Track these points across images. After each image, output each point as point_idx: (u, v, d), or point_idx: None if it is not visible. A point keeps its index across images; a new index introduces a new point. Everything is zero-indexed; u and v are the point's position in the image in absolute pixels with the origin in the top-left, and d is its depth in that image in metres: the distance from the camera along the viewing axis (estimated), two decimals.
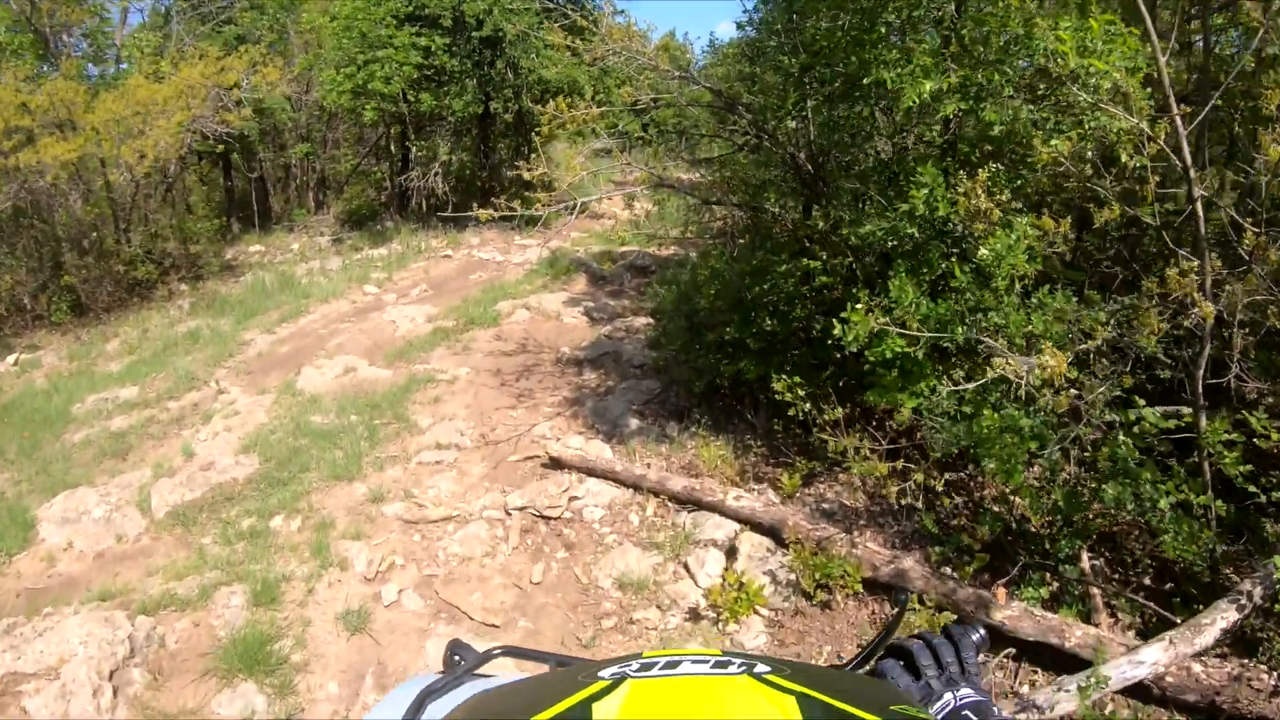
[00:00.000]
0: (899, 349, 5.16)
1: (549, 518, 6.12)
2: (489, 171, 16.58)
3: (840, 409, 5.61)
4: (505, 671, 1.77)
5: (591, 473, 6.52)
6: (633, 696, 0.79)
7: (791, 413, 5.75)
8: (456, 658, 1.60)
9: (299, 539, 6.01)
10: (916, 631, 1.28)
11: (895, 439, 5.97)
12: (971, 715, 1.10)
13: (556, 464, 6.67)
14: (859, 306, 5.02)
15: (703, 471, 6.45)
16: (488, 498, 6.39)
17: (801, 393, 5.67)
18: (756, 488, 6.21)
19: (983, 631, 1.27)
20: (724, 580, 5.33)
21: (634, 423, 7.39)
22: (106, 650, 4.88)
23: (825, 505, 5.98)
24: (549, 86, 14.19)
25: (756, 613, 5.15)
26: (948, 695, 1.15)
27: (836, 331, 5.05)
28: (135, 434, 8.21)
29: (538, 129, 6.63)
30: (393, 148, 17.45)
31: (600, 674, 0.85)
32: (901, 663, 1.22)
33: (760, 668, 0.86)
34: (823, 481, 6.29)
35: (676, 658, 0.90)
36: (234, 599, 5.38)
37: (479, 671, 1.56)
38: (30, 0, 12.87)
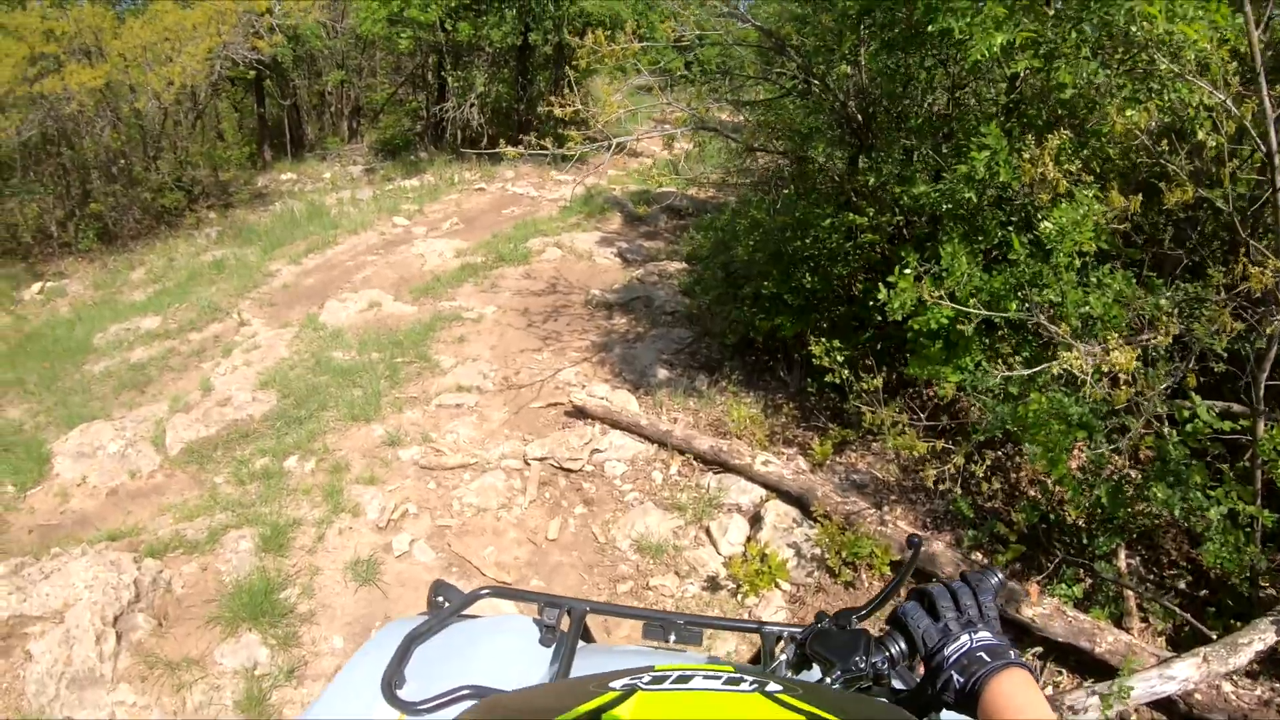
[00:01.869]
0: (946, 319, 4.82)
1: (569, 470, 5.89)
2: (526, 104, 16.20)
3: (878, 377, 5.30)
4: (489, 614, 1.81)
5: (616, 425, 6.27)
6: (642, 708, 0.79)
7: (829, 379, 5.45)
8: (441, 599, 1.68)
9: (312, 482, 5.84)
10: (936, 578, 1.30)
11: (934, 413, 5.65)
12: (985, 656, 1.14)
13: (580, 413, 6.43)
14: (907, 272, 4.69)
15: (731, 431, 6.17)
16: (507, 445, 6.17)
17: (840, 358, 5.36)
18: (786, 452, 5.94)
19: (1000, 576, 1.30)
20: (746, 550, 5.07)
21: (662, 373, 7.12)
22: (111, 595, 4.75)
23: (856, 476, 5.69)
24: (590, 19, 13.72)
25: (778, 586, 4.89)
26: (965, 637, 1.18)
27: (881, 296, 4.74)
28: (155, 366, 8.09)
29: (574, 62, 6.25)
30: (430, 77, 17.08)
31: (611, 684, 0.85)
32: (921, 606, 1.26)
33: (772, 686, 0.86)
34: (855, 450, 5.99)
35: (688, 672, 0.90)
36: (243, 543, 5.23)
37: (464, 613, 1.63)
38: None
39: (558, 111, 6.03)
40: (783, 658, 1.35)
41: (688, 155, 13.10)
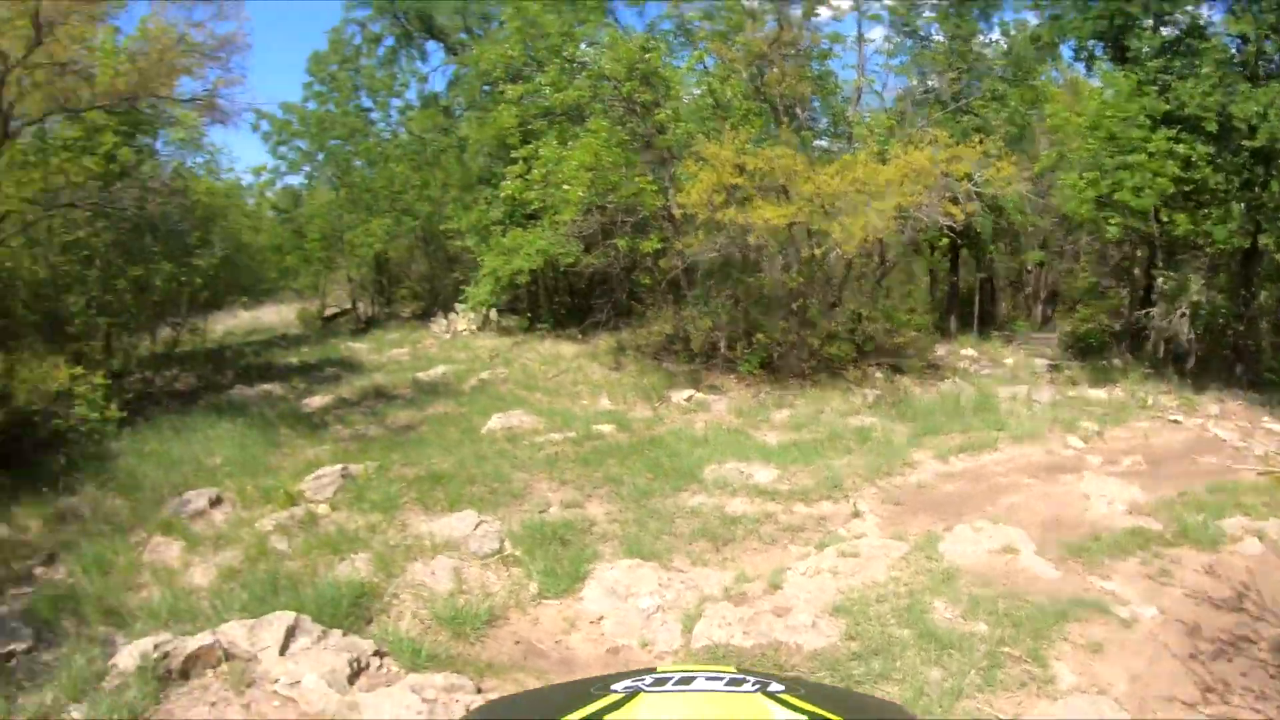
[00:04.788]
0: None
1: None
2: (1246, 324, 12.92)
3: None
4: None
5: None
6: (645, 710, 0.79)
7: None
8: None
9: None
10: None
11: None
12: None
13: None
14: None
15: None
16: None
17: None
18: None
19: None
20: None
21: None
22: None
23: None
24: None
25: None
26: None
27: None
28: (744, 526, 7.32)
29: None
30: (1136, 272, 14.72)
31: (613, 687, 0.85)
32: None
33: (774, 686, 0.86)
34: None
35: (691, 674, 0.89)
36: None
37: None
38: (759, 70, 13.38)
39: None
40: None
41: None
